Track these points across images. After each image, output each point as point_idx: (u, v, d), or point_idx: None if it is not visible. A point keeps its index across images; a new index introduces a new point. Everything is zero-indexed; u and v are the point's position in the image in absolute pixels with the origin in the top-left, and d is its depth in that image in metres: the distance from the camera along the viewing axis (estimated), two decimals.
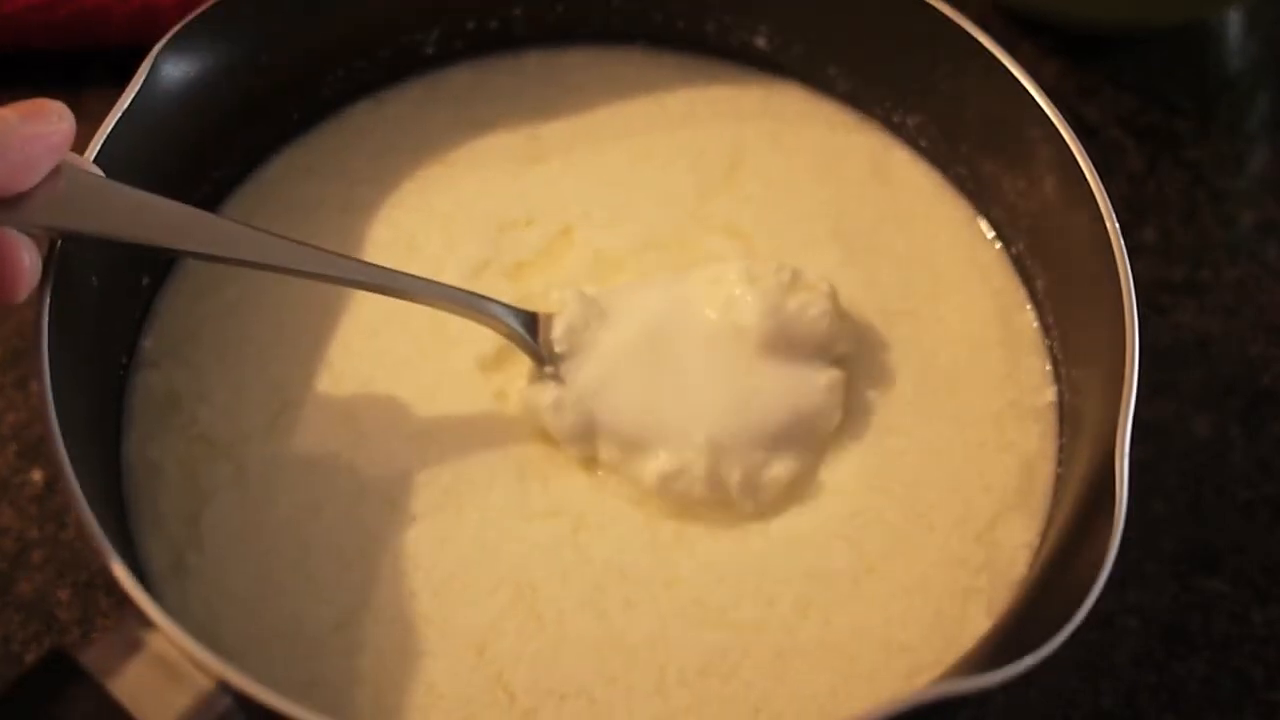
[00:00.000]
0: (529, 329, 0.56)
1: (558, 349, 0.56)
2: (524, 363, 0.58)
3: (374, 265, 0.54)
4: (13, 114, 0.45)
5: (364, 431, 0.56)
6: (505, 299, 0.59)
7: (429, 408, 0.57)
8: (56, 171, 0.47)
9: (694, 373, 0.55)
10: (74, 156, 0.48)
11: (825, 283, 0.57)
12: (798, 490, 0.55)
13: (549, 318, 0.57)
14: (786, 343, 0.56)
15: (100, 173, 0.50)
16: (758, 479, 0.55)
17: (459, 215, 0.63)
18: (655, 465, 0.54)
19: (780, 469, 0.55)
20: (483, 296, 0.56)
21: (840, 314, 0.57)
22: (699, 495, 0.54)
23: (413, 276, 0.55)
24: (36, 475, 0.63)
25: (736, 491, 0.54)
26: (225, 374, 0.58)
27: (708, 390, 0.55)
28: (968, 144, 0.63)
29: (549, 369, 0.56)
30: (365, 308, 0.60)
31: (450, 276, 0.60)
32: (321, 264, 0.53)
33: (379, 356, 0.59)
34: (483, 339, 0.59)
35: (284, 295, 0.60)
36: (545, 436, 0.56)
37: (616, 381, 0.56)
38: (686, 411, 0.55)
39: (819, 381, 0.56)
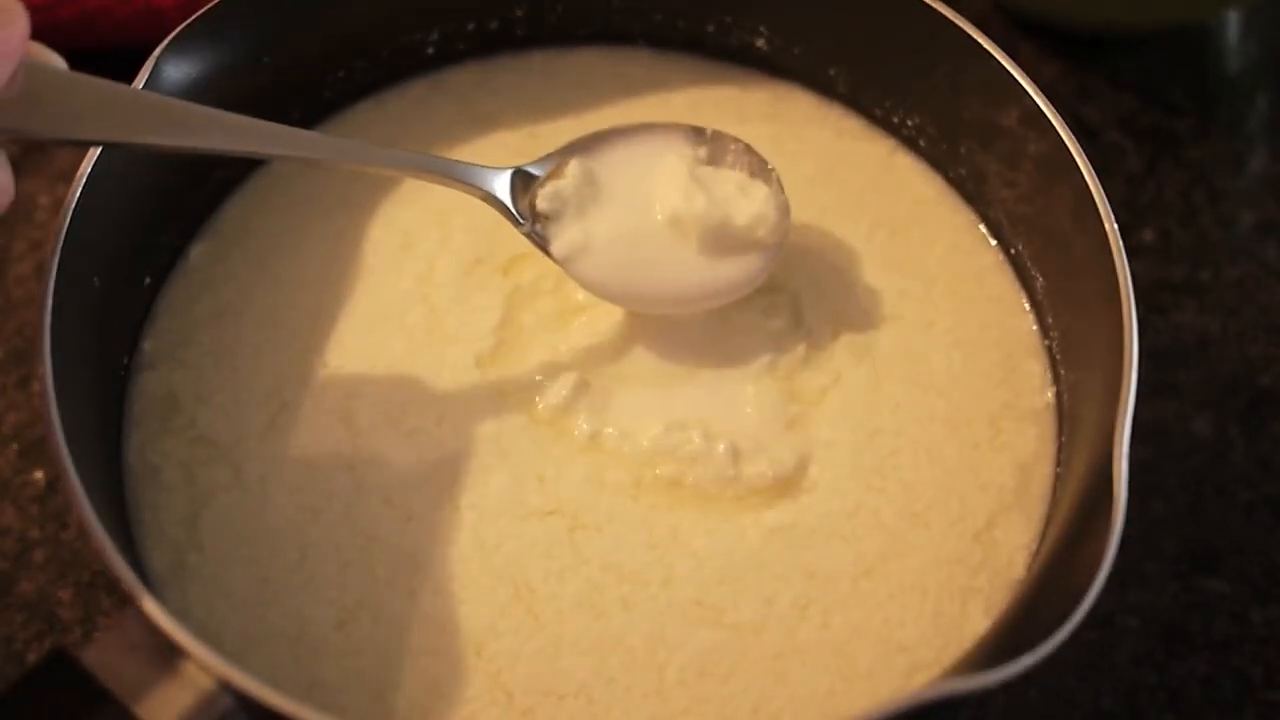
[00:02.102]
0: (508, 188, 0.57)
1: (542, 205, 0.58)
2: (523, 359, 0.58)
3: (336, 139, 0.55)
4: None
5: (361, 430, 0.56)
6: (497, 291, 0.60)
7: (426, 405, 0.57)
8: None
9: (656, 258, 0.58)
10: (33, 47, 0.45)
11: (766, 196, 0.58)
12: (792, 487, 0.56)
13: (529, 178, 0.58)
14: (729, 244, 0.58)
15: (62, 63, 0.47)
16: (745, 464, 0.56)
17: (455, 211, 0.63)
18: (653, 432, 0.56)
19: (764, 464, 0.56)
20: (456, 161, 0.57)
21: (783, 208, 0.58)
22: (693, 452, 0.55)
23: (380, 149, 0.55)
24: (38, 475, 0.63)
25: (722, 460, 0.55)
26: (223, 375, 0.58)
27: (667, 274, 0.58)
28: (967, 145, 0.63)
29: (525, 227, 0.58)
30: (361, 305, 0.60)
31: (443, 271, 0.61)
32: (296, 144, 0.52)
33: (375, 354, 0.59)
34: (480, 336, 0.59)
35: (279, 295, 0.60)
36: (543, 433, 0.57)
37: (594, 248, 0.58)
38: (652, 285, 0.58)
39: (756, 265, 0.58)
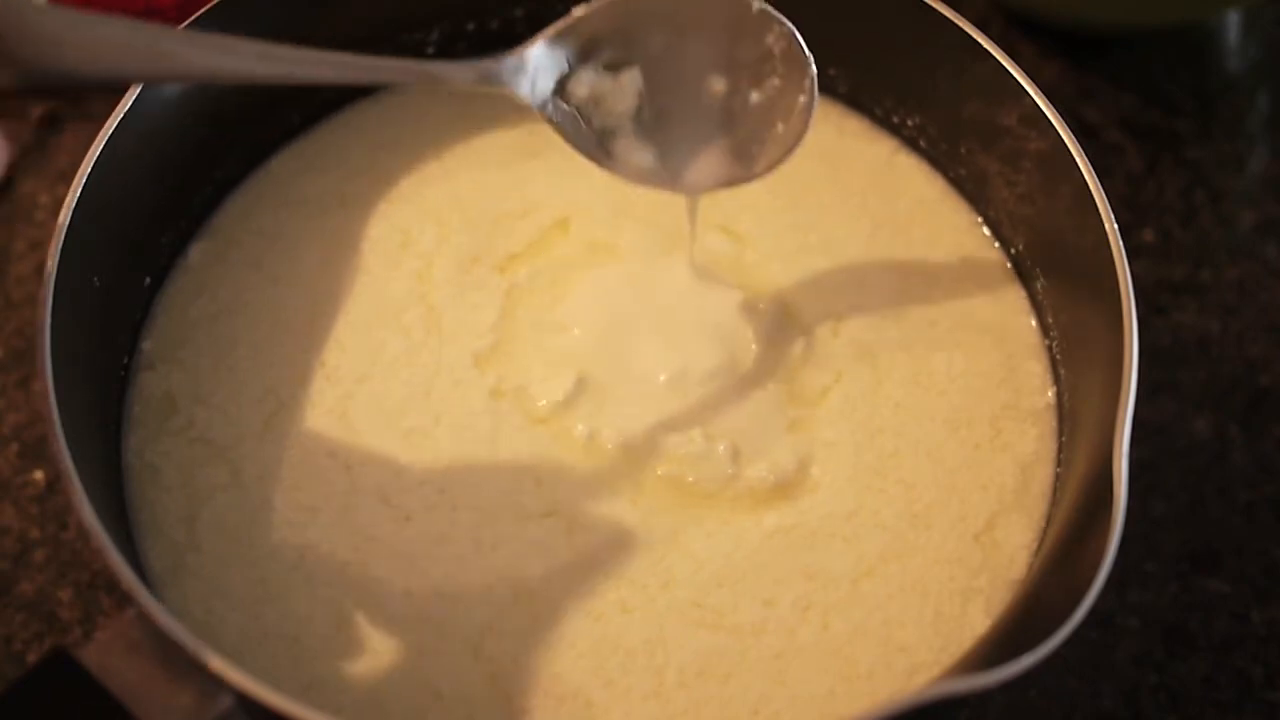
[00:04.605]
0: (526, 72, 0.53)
1: (580, 94, 0.55)
2: (520, 358, 0.58)
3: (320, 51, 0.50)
4: None
5: (358, 430, 0.56)
6: (495, 289, 0.60)
7: (424, 405, 0.57)
8: None
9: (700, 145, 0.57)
10: None
11: None
12: (792, 488, 0.56)
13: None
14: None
15: None
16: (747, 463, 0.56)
17: (454, 208, 0.63)
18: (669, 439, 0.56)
19: (764, 467, 0.56)
20: (444, 60, 0.53)
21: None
22: (693, 453, 0.56)
23: (371, 58, 0.51)
24: (38, 475, 0.63)
25: (723, 460, 0.55)
26: (221, 376, 0.58)
27: (711, 159, 0.56)
28: (967, 145, 0.63)
29: (544, 110, 0.54)
30: (358, 304, 0.60)
31: (441, 270, 0.61)
32: (286, 63, 0.49)
33: (373, 353, 0.59)
34: (478, 334, 0.59)
35: (277, 295, 0.60)
36: (541, 433, 0.57)
37: (653, 161, 0.56)
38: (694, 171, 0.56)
39: None
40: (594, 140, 0.55)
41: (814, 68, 0.56)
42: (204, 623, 0.52)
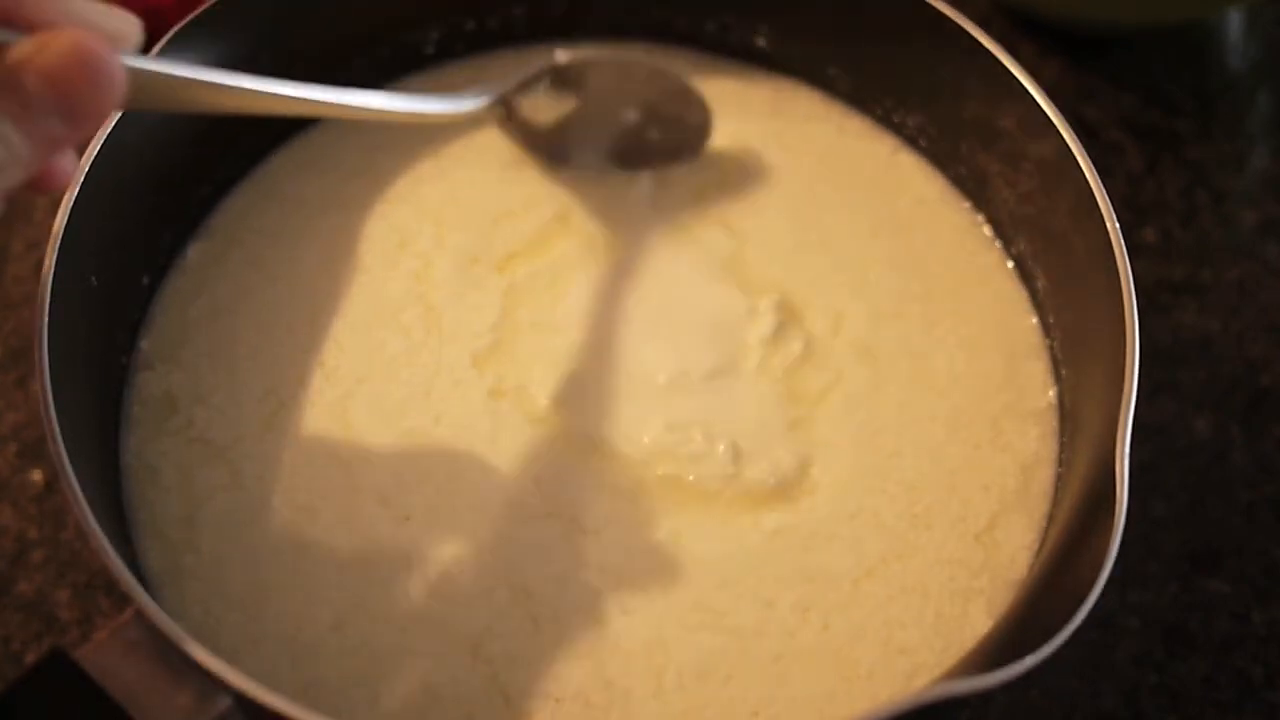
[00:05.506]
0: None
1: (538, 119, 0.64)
2: (519, 358, 0.58)
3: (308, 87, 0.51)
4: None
5: (358, 430, 0.56)
6: (494, 289, 0.60)
7: (423, 405, 0.57)
8: None
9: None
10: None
11: None
12: (793, 488, 0.55)
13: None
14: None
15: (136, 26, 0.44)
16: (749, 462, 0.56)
17: (452, 208, 0.63)
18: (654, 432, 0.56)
19: (767, 465, 0.56)
20: (421, 96, 0.58)
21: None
22: (694, 453, 0.56)
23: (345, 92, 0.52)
24: (36, 475, 0.63)
25: (723, 460, 0.55)
26: (220, 375, 0.58)
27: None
28: (968, 144, 0.63)
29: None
30: (357, 304, 0.60)
31: (440, 269, 0.61)
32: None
33: (372, 353, 0.58)
34: (477, 334, 0.59)
35: (276, 294, 0.60)
36: (541, 433, 0.56)
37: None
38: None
39: None
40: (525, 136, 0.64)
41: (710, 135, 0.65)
42: (202, 623, 0.51)
